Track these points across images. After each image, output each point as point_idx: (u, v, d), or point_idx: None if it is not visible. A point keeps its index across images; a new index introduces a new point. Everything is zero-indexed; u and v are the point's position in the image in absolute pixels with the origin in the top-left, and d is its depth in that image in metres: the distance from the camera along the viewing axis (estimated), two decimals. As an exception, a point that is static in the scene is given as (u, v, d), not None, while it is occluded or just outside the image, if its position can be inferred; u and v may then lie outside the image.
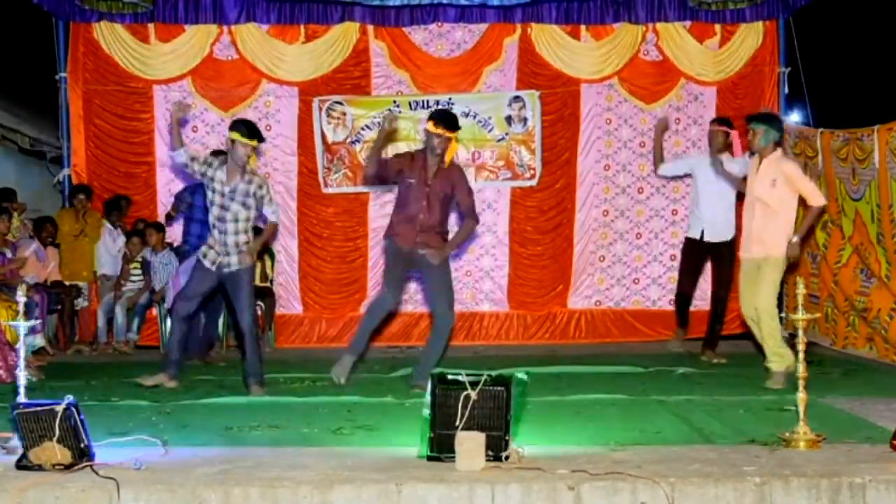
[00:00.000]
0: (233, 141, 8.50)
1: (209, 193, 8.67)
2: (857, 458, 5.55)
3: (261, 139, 8.75)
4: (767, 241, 8.72)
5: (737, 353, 11.28)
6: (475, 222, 9.12)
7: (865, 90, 18.23)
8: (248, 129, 8.58)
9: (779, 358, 8.69)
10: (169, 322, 10.95)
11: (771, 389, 8.33)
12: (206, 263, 8.68)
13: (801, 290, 6.06)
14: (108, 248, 12.49)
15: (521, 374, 5.68)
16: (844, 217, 10.87)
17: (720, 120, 10.92)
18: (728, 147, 10.42)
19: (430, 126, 8.67)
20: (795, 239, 8.70)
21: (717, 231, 10.51)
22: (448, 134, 8.64)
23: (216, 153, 10.34)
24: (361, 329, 9.09)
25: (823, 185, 11.28)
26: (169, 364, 8.97)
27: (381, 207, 12.59)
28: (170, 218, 11.84)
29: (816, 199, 8.74)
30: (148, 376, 8.91)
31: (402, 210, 8.85)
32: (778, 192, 8.69)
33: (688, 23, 12.87)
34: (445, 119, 8.74)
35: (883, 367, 9.96)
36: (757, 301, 8.75)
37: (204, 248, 8.78)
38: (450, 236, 9.04)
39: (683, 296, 11.29)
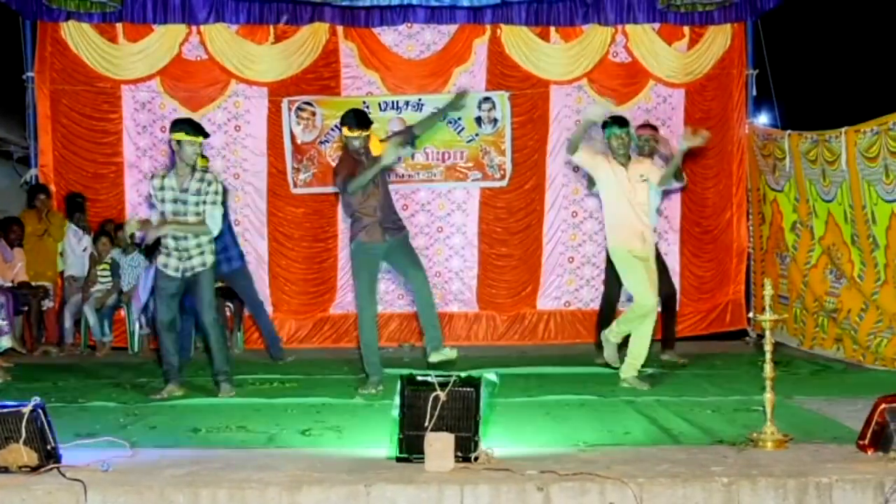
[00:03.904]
0: (178, 142, 8.24)
1: (160, 205, 8.37)
2: (824, 458, 5.58)
3: (206, 135, 8.47)
4: (649, 237, 8.88)
5: (703, 353, 11.35)
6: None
7: (833, 92, 18.33)
8: (191, 125, 8.37)
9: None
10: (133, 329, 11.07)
11: (737, 389, 8.36)
12: (170, 272, 8.44)
13: (768, 291, 6.09)
14: (73, 248, 12.40)
15: (490, 375, 5.69)
16: (816, 218, 10.92)
17: (647, 125, 10.72)
18: (654, 152, 10.34)
19: (346, 131, 8.77)
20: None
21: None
22: (365, 133, 8.73)
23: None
24: (368, 350, 8.95)
25: (794, 188, 11.36)
26: (172, 373, 8.63)
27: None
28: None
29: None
30: (156, 392, 8.60)
31: (361, 210, 8.81)
32: (645, 187, 8.87)
33: (657, 25, 12.90)
34: (356, 120, 8.77)
35: (850, 367, 10.02)
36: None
37: (162, 258, 8.49)
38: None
39: (612, 305, 10.74)
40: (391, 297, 12.72)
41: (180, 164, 8.32)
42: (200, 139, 8.35)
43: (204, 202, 8.38)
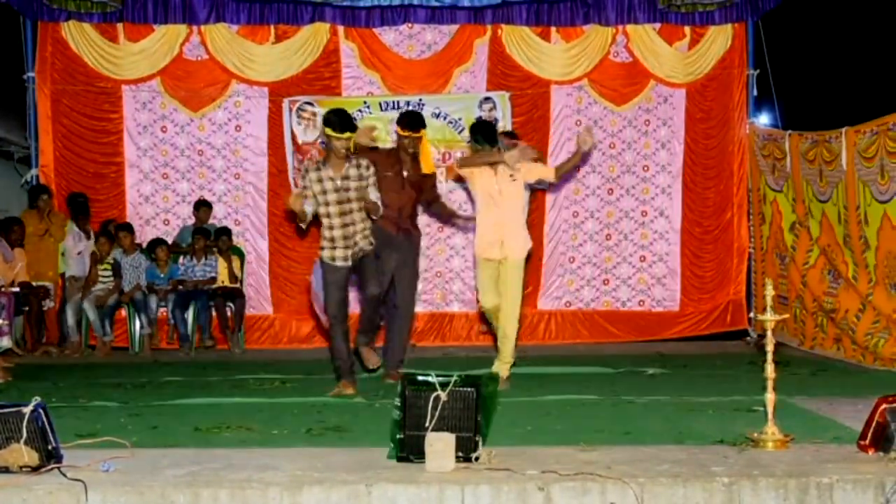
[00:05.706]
0: (328, 136, 8.39)
1: (321, 196, 8.42)
2: (825, 458, 5.57)
3: (353, 129, 8.44)
4: (507, 242, 8.81)
5: (703, 353, 11.36)
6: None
7: (833, 92, 18.35)
8: (339, 121, 8.35)
9: (510, 363, 8.98)
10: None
11: (737, 389, 8.34)
12: (339, 263, 8.51)
13: (769, 292, 6.07)
14: (70, 250, 12.39)
15: (490, 375, 5.68)
16: (812, 219, 10.94)
17: (510, 133, 10.75)
18: None
19: (399, 129, 9.19)
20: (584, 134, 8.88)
21: None
22: (416, 134, 9.11)
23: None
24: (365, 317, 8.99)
25: (791, 188, 11.37)
26: (344, 371, 8.68)
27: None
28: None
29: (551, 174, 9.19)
30: (331, 389, 8.63)
31: (384, 201, 8.94)
32: (517, 186, 8.85)
33: (657, 25, 12.90)
34: (412, 121, 9.24)
35: (850, 367, 10.02)
36: (507, 306, 8.85)
37: (327, 252, 8.52)
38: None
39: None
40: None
41: (332, 155, 8.43)
42: (347, 135, 8.34)
43: (365, 186, 8.48)
